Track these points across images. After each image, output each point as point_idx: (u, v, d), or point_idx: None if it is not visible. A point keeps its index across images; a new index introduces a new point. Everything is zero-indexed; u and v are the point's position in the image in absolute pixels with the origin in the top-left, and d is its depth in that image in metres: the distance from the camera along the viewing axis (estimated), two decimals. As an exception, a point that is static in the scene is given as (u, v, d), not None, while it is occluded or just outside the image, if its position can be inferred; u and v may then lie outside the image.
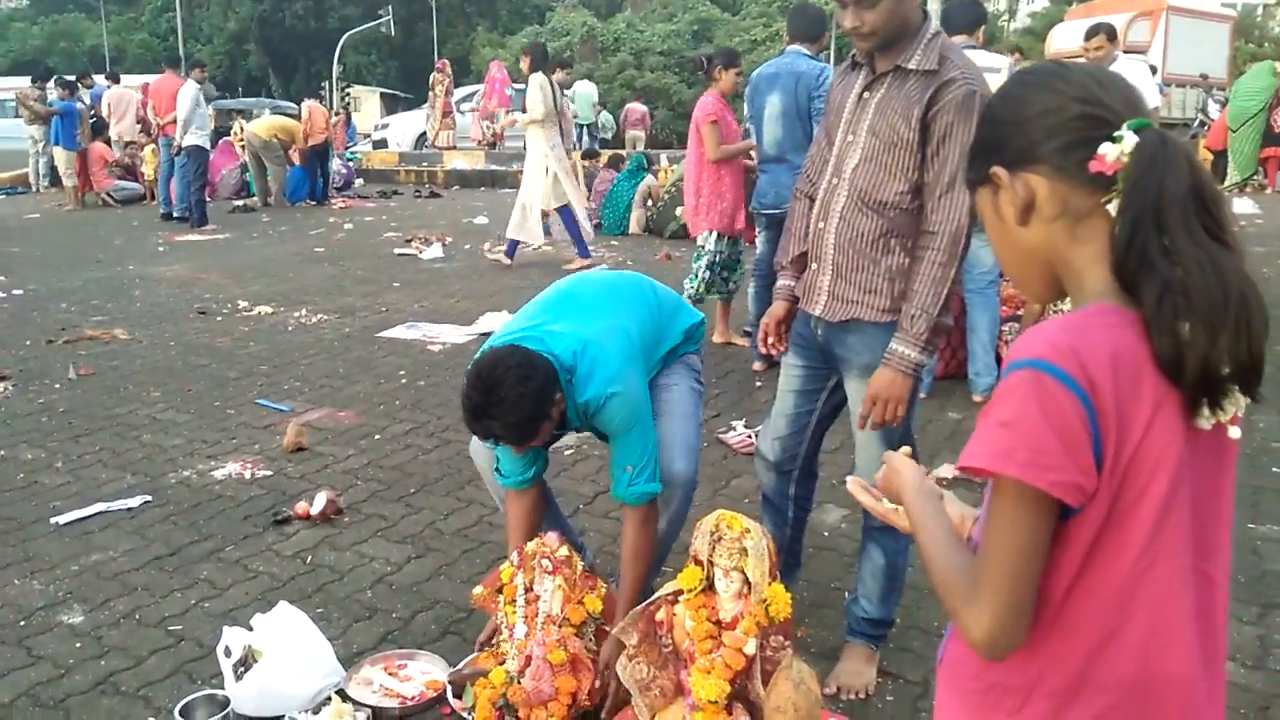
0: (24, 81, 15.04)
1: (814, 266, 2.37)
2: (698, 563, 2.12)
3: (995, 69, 4.45)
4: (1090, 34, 6.21)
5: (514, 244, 8.40)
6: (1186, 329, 0.93)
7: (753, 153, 5.35)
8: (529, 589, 2.36)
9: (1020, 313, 5.25)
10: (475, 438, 2.53)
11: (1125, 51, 21.34)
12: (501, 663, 2.34)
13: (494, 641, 2.44)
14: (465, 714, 2.30)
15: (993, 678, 1.07)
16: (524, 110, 8.16)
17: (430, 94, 19.96)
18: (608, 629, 2.33)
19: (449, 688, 2.39)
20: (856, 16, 2.13)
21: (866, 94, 2.25)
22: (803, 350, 2.49)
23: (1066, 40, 22.15)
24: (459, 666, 2.46)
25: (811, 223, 2.37)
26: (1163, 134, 0.98)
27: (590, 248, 8.43)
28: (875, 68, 2.24)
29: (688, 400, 2.65)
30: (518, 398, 2.20)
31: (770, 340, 2.51)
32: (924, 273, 2.19)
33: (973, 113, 2.13)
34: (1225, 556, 1.08)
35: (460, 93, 22.63)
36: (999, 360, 4.90)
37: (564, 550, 2.37)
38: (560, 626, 2.31)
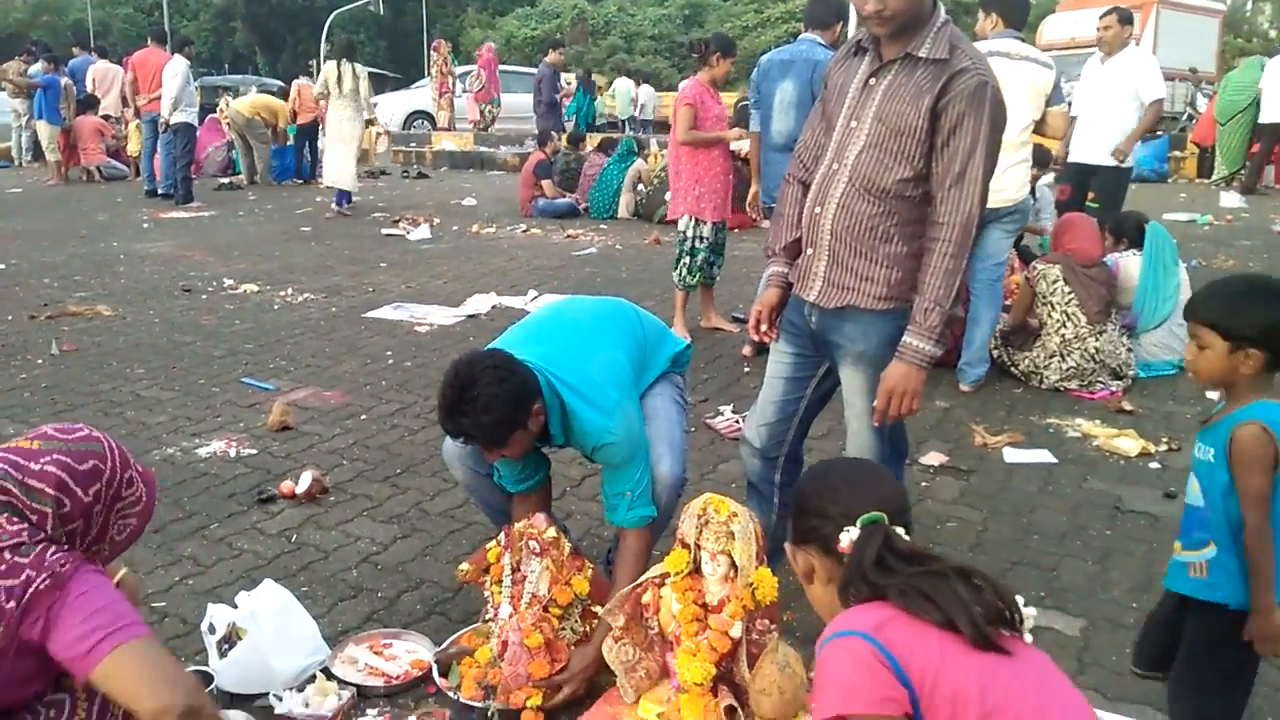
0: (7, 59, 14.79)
1: (809, 252, 2.37)
2: (685, 546, 2.12)
3: (1046, 64, 4.58)
4: (1103, 15, 6.16)
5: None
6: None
7: (745, 142, 5.33)
8: (515, 569, 2.36)
9: (1009, 303, 5.27)
10: (448, 439, 2.50)
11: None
12: (487, 640, 2.34)
13: (485, 619, 2.44)
14: (451, 692, 2.30)
15: None
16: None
17: (431, 74, 19.71)
18: (595, 610, 2.34)
19: (434, 666, 2.39)
20: (880, 0, 2.12)
21: (873, 80, 2.24)
22: (794, 337, 2.49)
23: (1057, 32, 22.18)
24: (444, 645, 2.46)
25: (807, 208, 2.36)
26: (877, 525, 1.47)
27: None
28: (882, 54, 2.23)
29: (672, 409, 2.65)
30: (490, 398, 2.18)
31: (763, 328, 2.51)
32: (935, 265, 2.18)
33: (984, 103, 2.12)
34: None
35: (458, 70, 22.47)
36: (995, 349, 4.94)
37: (551, 532, 2.37)
38: (546, 608, 2.31)
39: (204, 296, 6.56)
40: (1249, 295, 1.90)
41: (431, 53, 19.58)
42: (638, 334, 2.64)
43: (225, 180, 12.97)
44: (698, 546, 2.10)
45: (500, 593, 2.38)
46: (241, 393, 4.56)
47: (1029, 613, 1.39)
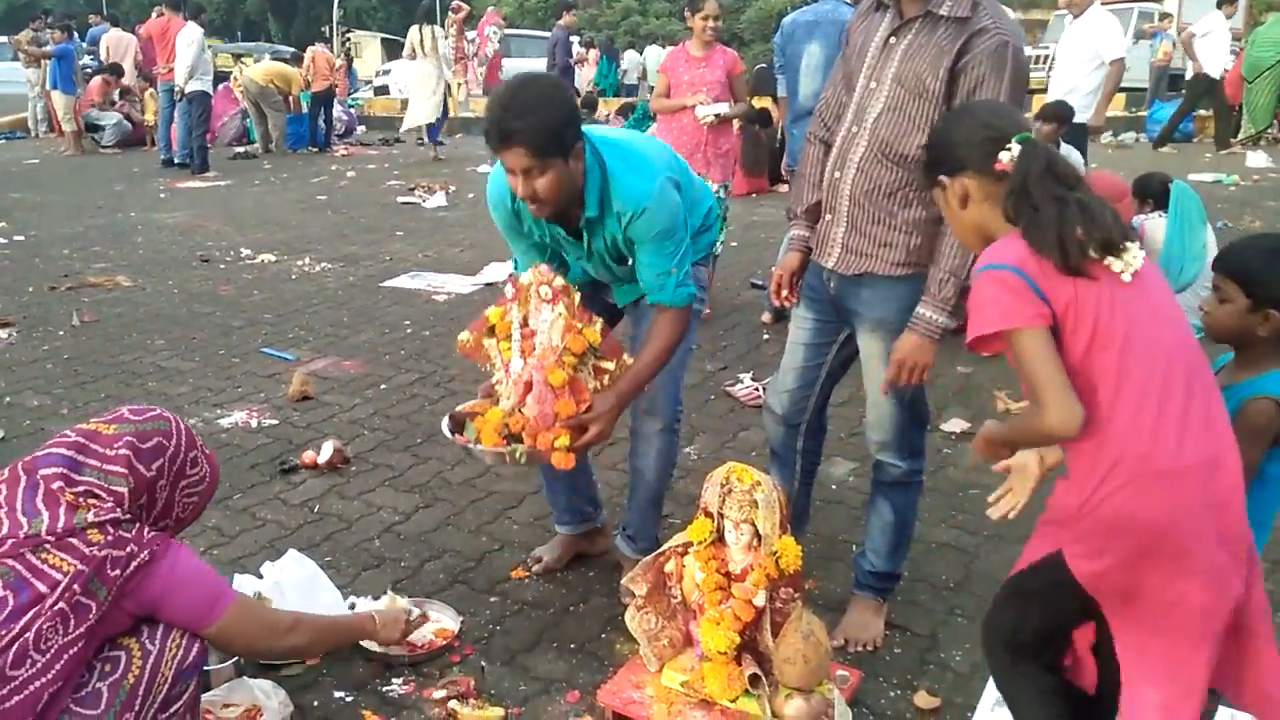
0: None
1: (828, 218, 2.33)
2: (708, 514, 2.11)
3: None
4: None
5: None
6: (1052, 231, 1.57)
7: (717, 107, 5.02)
8: (524, 324, 2.29)
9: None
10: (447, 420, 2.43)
11: (1139, 0, 20.79)
12: (497, 403, 2.31)
13: (494, 382, 2.38)
14: (471, 445, 2.29)
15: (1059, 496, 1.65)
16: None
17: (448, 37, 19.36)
18: (606, 366, 2.30)
19: (447, 421, 2.38)
20: None
21: (893, 39, 2.18)
22: (814, 303, 2.45)
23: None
24: (452, 411, 2.44)
25: (826, 172, 2.32)
26: (1033, 142, 1.65)
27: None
28: (903, 10, 2.17)
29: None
30: (545, 99, 2.09)
31: (784, 293, 2.48)
32: (949, 233, 2.13)
33: (1005, 64, 2.07)
34: (1204, 366, 1.62)
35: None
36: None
37: (560, 279, 2.29)
38: (561, 357, 2.24)
39: (222, 266, 6.57)
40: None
41: (450, 13, 19.16)
42: (685, 170, 2.53)
43: (241, 149, 12.95)
44: (721, 515, 2.09)
45: (509, 348, 2.30)
46: (261, 363, 4.58)
47: (1135, 254, 1.59)
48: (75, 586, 1.64)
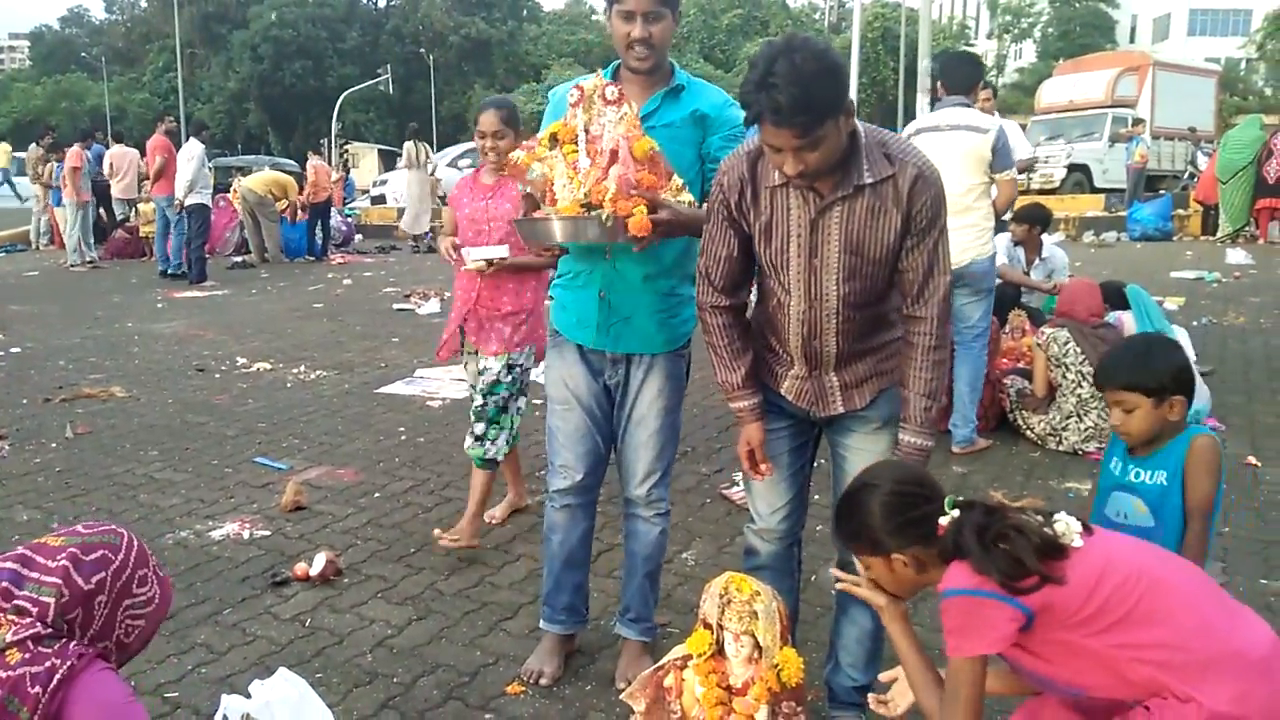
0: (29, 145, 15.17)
1: (810, 373, 2.27)
2: (707, 626, 2.09)
3: (982, 129, 4.41)
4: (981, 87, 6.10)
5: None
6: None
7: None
8: (586, 131, 2.29)
9: (1021, 365, 5.26)
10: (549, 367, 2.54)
11: (1113, 106, 21.57)
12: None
13: (562, 184, 2.33)
14: (551, 215, 2.29)
15: None
16: None
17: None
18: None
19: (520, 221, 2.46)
20: (798, 161, 1.96)
21: (819, 218, 2.11)
22: (781, 413, 2.38)
23: (1056, 95, 22.54)
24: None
25: (797, 343, 2.24)
26: (966, 503, 1.78)
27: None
28: (820, 193, 2.09)
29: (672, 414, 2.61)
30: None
31: (762, 467, 2.36)
32: (921, 359, 2.14)
33: (939, 192, 2.08)
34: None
35: (459, 149, 22.89)
36: (1010, 412, 4.92)
37: (617, 89, 2.33)
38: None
39: (217, 376, 6.60)
40: (1150, 351, 2.21)
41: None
42: None
43: (238, 259, 13.14)
44: (720, 627, 2.07)
45: (574, 150, 2.29)
46: (255, 472, 4.55)
47: (1068, 523, 1.70)
48: None
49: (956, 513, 1.75)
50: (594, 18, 63.83)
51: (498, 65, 50.95)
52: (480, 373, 3.63)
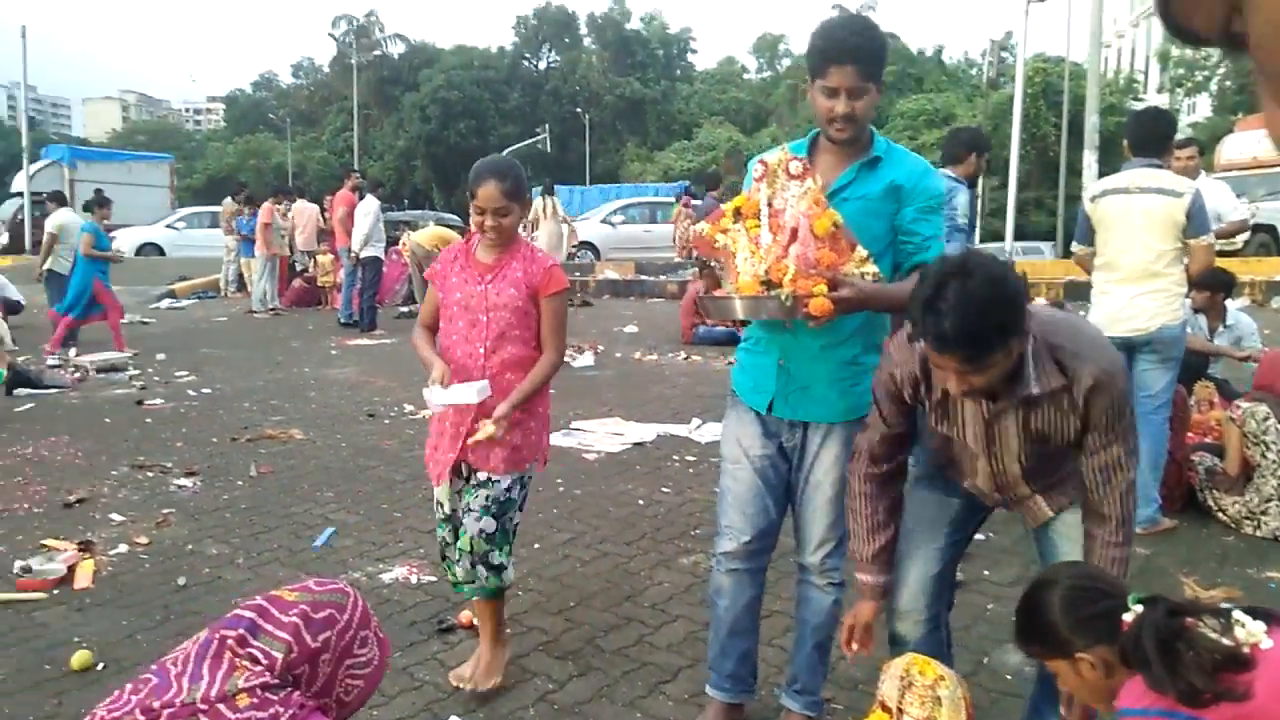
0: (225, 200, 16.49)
1: (1005, 498, 2.29)
2: (885, 709, 2.01)
3: (1176, 193, 4.18)
4: (1183, 144, 5.64)
5: None
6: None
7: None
8: (769, 205, 2.30)
9: (1209, 440, 4.91)
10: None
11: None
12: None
13: (742, 259, 2.35)
14: (731, 292, 2.31)
15: None
16: None
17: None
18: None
19: (700, 300, 2.47)
20: (962, 381, 1.93)
21: (994, 420, 2.13)
22: (934, 480, 2.39)
23: (1238, 151, 21.26)
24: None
25: (975, 482, 2.28)
26: (1153, 599, 1.71)
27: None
28: (995, 398, 2.08)
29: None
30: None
31: (855, 647, 2.35)
32: (1100, 553, 2.09)
33: (1117, 393, 2.03)
34: None
35: (612, 205, 23.43)
36: (1200, 491, 4.58)
37: (804, 160, 2.34)
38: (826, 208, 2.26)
39: (386, 421, 6.91)
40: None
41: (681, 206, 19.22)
42: None
43: (406, 309, 13.79)
44: (900, 711, 1.99)
45: (757, 225, 2.30)
46: (422, 517, 4.71)
47: (1249, 626, 1.60)
48: None
49: (1140, 609, 1.68)
50: (745, 77, 64.66)
51: (650, 123, 52.22)
52: (479, 487, 2.97)
